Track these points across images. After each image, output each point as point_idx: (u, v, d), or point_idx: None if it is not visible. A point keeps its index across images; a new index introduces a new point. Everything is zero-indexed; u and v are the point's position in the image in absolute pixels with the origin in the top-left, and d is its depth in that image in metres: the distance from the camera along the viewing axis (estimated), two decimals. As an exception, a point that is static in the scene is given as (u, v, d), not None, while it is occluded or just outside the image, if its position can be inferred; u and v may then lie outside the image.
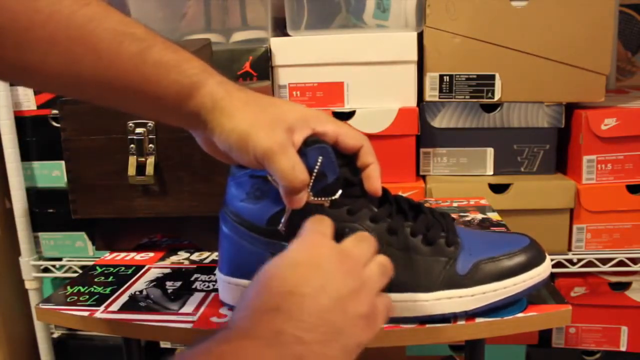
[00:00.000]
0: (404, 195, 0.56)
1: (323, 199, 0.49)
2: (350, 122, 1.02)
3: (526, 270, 0.51)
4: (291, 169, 0.44)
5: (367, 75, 1.02)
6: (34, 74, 0.41)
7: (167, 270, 0.69)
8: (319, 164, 0.47)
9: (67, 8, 0.40)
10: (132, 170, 0.72)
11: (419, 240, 0.51)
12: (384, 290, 0.45)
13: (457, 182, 1.04)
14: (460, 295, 0.50)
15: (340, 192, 0.49)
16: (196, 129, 0.47)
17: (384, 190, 0.53)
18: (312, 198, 0.48)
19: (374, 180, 0.50)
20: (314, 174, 0.47)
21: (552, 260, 1.04)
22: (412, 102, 1.03)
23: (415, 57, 1.01)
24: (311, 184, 0.48)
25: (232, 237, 0.54)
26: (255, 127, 0.43)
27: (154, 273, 0.68)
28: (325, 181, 0.49)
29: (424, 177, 1.07)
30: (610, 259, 1.03)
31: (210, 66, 0.46)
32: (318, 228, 0.44)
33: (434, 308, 0.50)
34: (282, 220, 0.49)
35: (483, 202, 0.91)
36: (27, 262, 1.13)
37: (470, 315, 0.51)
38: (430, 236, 0.51)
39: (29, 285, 1.14)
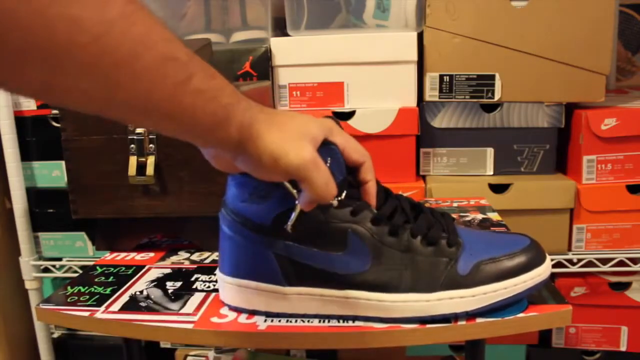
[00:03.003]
0: (404, 195, 0.56)
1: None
2: (350, 122, 1.02)
3: (527, 271, 0.51)
4: (325, 185, 0.46)
5: (367, 75, 1.02)
6: (58, 95, 0.36)
7: (168, 271, 0.69)
8: (328, 164, 0.48)
9: (117, 29, 0.34)
10: (132, 170, 0.72)
11: (420, 241, 0.51)
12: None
13: (457, 182, 1.04)
14: (462, 295, 0.50)
15: (345, 192, 0.50)
16: (215, 150, 0.47)
17: (386, 190, 0.53)
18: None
19: (371, 197, 0.52)
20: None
21: (552, 260, 1.04)
22: (412, 102, 1.03)
23: (415, 57, 1.01)
24: None
25: (233, 237, 0.54)
26: (285, 147, 0.44)
27: (154, 273, 0.68)
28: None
29: (424, 177, 1.07)
30: (610, 259, 1.03)
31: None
32: None
33: (436, 308, 0.51)
34: (291, 220, 0.50)
35: (483, 202, 0.91)
36: (27, 262, 1.13)
37: (471, 315, 0.51)
38: (431, 237, 0.52)
39: (29, 285, 1.14)
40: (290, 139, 0.44)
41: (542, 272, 0.52)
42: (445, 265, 0.51)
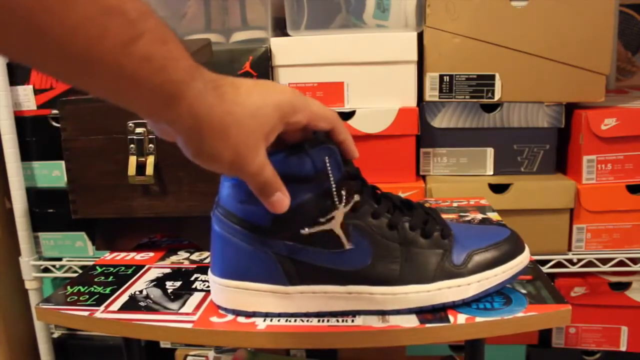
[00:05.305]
0: (403, 195, 0.57)
1: (348, 204, 0.51)
2: (350, 122, 1.02)
3: (512, 259, 0.55)
4: (260, 189, 0.45)
5: (367, 75, 1.02)
6: None
7: (167, 270, 0.69)
8: (328, 165, 0.49)
9: None
10: (132, 170, 0.72)
11: (417, 234, 0.53)
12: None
13: (457, 182, 1.04)
14: (459, 284, 0.53)
15: (345, 188, 0.51)
16: (162, 127, 0.43)
17: (376, 187, 0.55)
18: (343, 208, 0.51)
19: (352, 150, 0.52)
20: (330, 175, 0.50)
21: (552, 260, 1.04)
22: (412, 102, 1.03)
23: (415, 57, 1.01)
24: (333, 186, 0.50)
25: (229, 238, 0.53)
26: (241, 156, 0.42)
27: (154, 273, 0.68)
28: (333, 181, 0.50)
29: (424, 177, 1.07)
30: (610, 259, 1.03)
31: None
32: None
33: (436, 298, 0.52)
34: (309, 229, 0.51)
35: (483, 202, 0.91)
36: (27, 262, 1.13)
37: (467, 302, 0.53)
38: (427, 230, 0.54)
39: (29, 285, 1.14)
40: (247, 147, 0.42)
41: (524, 259, 0.56)
42: (441, 257, 0.53)
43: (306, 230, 0.51)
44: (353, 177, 0.52)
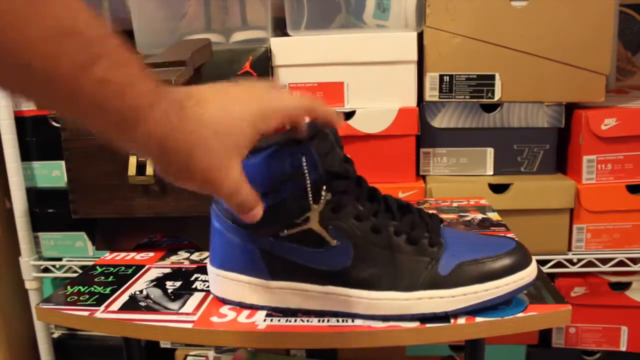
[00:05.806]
0: (403, 195, 0.57)
1: (320, 203, 0.50)
2: (350, 122, 1.02)
3: (510, 274, 0.51)
4: (240, 205, 0.44)
5: (367, 75, 1.02)
6: None
7: (167, 270, 0.69)
8: (304, 165, 0.49)
9: None
10: (132, 170, 0.72)
11: (403, 240, 0.51)
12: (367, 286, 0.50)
13: (457, 182, 1.04)
14: (441, 295, 0.50)
15: (325, 188, 0.50)
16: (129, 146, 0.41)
17: (373, 189, 0.53)
18: (315, 205, 0.50)
19: (332, 120, 0.50)
20: (306, 174, 0.50)
21: (552, 260, 1.04)
22: (412, 102, 1.03)
23: (415, 57, 1.01)
24: (309, 185, 0.50)
25: (222, 232, 0.55)
26: (211, 177, 0.41)
27: (154, 273, 0.68)
28: (309, 180, 0.50)
29: (424, 177, 1.07)
30: (610, 259, 1.03)
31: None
32: None
33: (415, 307, 0.51)
34: (287, 231, 0.52)
35: (483, 202, 0.91)
36: (27, 262, 1.13)
37: (450, 316, 0.51)
38: (414, 236, 0.52)
39: (29, 285, 1.14)
40: (218, 165, 0.41)
41: (526, 276, 0.51)
42: (426, 265, 0.51)
43: (285, 232, 0.52)
44: (342, 177, 0.51)
